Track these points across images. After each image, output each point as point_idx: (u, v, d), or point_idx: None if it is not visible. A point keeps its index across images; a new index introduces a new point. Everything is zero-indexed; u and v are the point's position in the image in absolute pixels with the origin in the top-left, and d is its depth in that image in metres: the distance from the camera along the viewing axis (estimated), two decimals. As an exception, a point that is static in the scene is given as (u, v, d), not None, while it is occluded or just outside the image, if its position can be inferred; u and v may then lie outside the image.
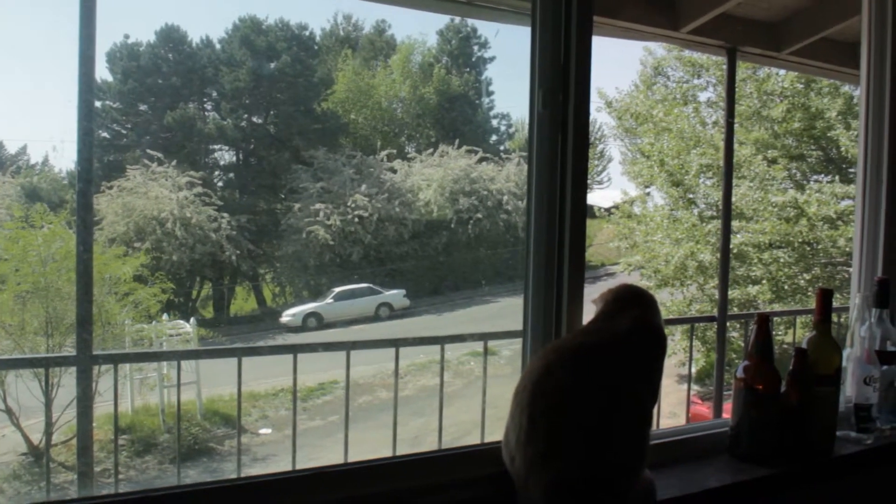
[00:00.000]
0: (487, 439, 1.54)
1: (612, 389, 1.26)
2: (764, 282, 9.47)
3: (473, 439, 1.57)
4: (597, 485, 1.22)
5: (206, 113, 17.97)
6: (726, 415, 1.91)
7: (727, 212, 3.19)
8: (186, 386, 9.35)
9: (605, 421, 1.23)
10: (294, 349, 2.40)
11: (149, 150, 15.08)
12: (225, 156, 18.53)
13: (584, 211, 1.56)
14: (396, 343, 2.61)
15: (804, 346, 1.64)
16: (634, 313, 1.36)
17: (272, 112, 18.31)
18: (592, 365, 1.27)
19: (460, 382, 11.41)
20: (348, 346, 2.46)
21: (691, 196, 10.97)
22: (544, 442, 1.22)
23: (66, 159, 16.44)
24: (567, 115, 1.52)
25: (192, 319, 11.92)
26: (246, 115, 18.02)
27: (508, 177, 19.00)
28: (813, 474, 1.62)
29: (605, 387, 1.25)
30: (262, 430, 10.04)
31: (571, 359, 1.28)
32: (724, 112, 3.10)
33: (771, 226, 9.39)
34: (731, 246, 3.13)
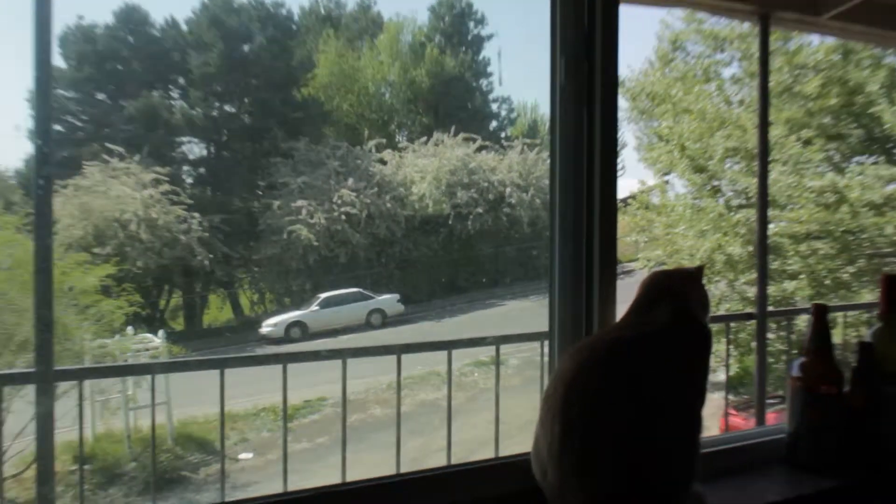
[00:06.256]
0: (501, 454, 1.53)
1: (655, 390, 1.24)
2: (802, 276, 9.47)
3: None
4: (642, 500, 1.19)
5: (172, 102, 17.90)
6: (769, 424, 1.88)
7: (763, 197, 3.15)
8: (156, 407, 9.29)
9: (649, 426, 1.21)
10: (283, 359, 2.37)
11: (108, 144, 14.99)
12: (194, 149, 18.48)
13: (614, 196, 1.55)
14: (399, 350, 2.58)
15: (869, 339, 1.61)
16: (674, 304, 1.33)
17: (246, 100, 18.26)
18: (631, 363, 1.26)
19: (463, 396, 11.40)
20: (345, 355, 2.42)
21: (716, 183, 10.97)
22: (580, 452, 1.20)
23: (13, 157, 16.39)
24: (593, 88, 1.50)
25: (160, 332, 11.87)
26: (217, 104, 17.98)
27: (511, 166, 19.04)
28: (884, 484, 1.59)
29: (646, 387, 1.23)
30: (242, 455, 10.01)
31: (607, 356, 1.27)
32: (758, 85, 3.06)
33: (808, 214, 9.39)
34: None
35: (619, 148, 1.52)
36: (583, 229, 1.53)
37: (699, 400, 1.30)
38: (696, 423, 1.28)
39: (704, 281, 1.46)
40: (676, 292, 1.37)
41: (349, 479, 1.67)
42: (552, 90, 1.51)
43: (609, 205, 1.51)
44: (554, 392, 1.27)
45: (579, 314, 1.54)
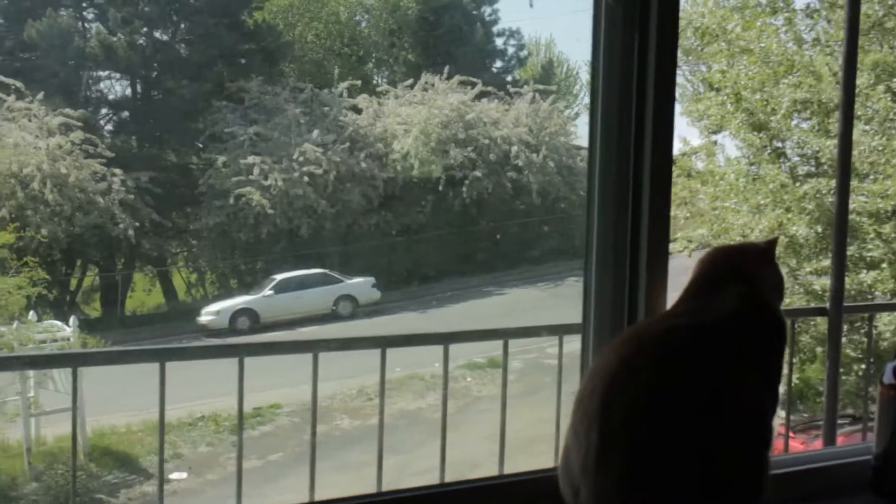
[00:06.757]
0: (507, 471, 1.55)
1: (716, 389, 1.26)
2: (884, 265, 9.49)
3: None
4: None
5: (86, 24, 17.72)
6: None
7: (845, 164, 3.17)
8: (64, 414, 9.32)
9: (709, 436, 1.24)
10: (241, 351, 2.38)
11: (2, 78, 14.85)
12: (116, 87, 18.32)
13: (669, 151, 1.57)
14: (384, 343, 2.60)
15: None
16: (741, 289, 1.35)
17: (183, 25, 18.09)
18: (687, 357, 1.28)
19: (453, 405, 11.48)
20: (317, 347, 2.44)
21: (779, 145, 10.96)
22: (622, 466, 1.23)
23: None
24: (649, 9, 1.49)
25: (71, 319, 11.85)
26: (145, 29, 17.79)
27: (519, 119, 19.00)
28: None
29: (705, 385, 1.26)
30: (174, 475, 10.06)
31: (657, 349, 1.29)
32: (845, 17, 3.06)
33: (896, 186, 9.42)
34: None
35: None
36: (628, 194, 1.54)
37: (770, 407, 1.33)
38: (765, 432, 1.31)
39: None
40: (744, 273, 1.39)
41: (318, 498, 1.69)
42: (595, 14, 1.51)
43: (663, 162, 1.53)
44: (591, 393, 1.28)
45: (620, 300, 1.56)
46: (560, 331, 2.78)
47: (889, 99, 9.81)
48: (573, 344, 2.98)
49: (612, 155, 1.53)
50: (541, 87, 19.71)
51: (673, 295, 1.50)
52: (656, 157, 1.52)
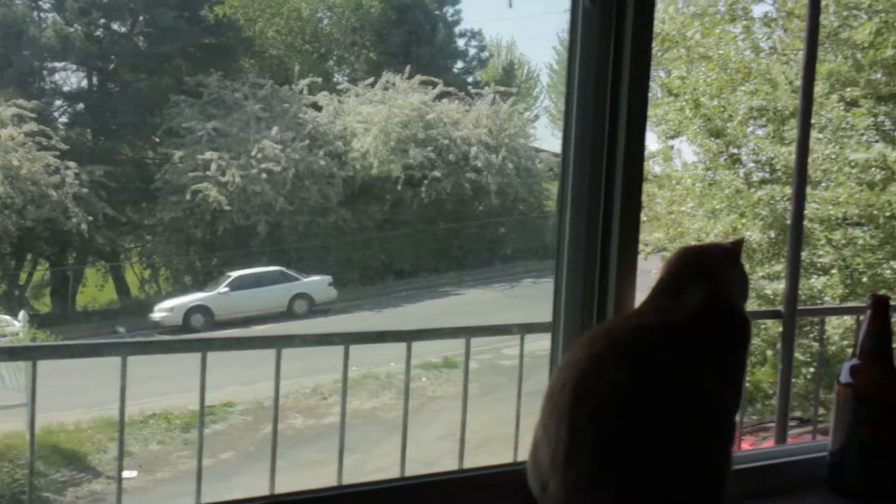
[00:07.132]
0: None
1: (683, 388, 1.29)
2: (834, 271, 9.62)
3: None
4: None
5: (40, 14, 17.46)
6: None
7: (802, 171, 3.23)
8: (12, 410, 9.20)
9: (675, 432, 1.26)
10: (205, 345, 2.37)
11: (-49, 69, 14.66)
12: (71, 79, 18.07)
13: (641, 152, 1.59)
14: (345, 341, 2.60)
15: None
16: (706, 288, 1.38)
17: (142, 17, 17.88)
18: (655, 354, 1.30)
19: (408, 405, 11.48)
20: (288, 343, 2.45)
21: (735, 151, 11.05)
22: (592, 461, 1.24)
23: None
24: (625, 12, 1.51)
25: (21, 314, 11.69)
26: (103, 20, 17.55)
27: (479, 120, 19.06)
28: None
29: (672, 384, 1.28)
30: (125, 474, 9.94)
31: (627, 346, 1.31)
32: (805, 26, 3.11)
33: (847, 193, 9.51)
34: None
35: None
36: (600, 194, 1.56)
37: (734, 404, 1.36)
38: (728, 431, 1.33)
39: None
40: (709, 272, 1.42)
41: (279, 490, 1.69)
42: (573, 17, 1.53)
43: (635, 164, 1.55)
44: (561, 388, 1.29)
45: (590, 299, 1.58)
46: (529, 329, 2.80)
47: (842, 108, 9.94)
48: (531, 344, 3.01)
49: (585, 155, 1.55)
50: (501, 88, 19.83)
51: (638, 296, 1.53)
52: (629, 159, 1.54)
